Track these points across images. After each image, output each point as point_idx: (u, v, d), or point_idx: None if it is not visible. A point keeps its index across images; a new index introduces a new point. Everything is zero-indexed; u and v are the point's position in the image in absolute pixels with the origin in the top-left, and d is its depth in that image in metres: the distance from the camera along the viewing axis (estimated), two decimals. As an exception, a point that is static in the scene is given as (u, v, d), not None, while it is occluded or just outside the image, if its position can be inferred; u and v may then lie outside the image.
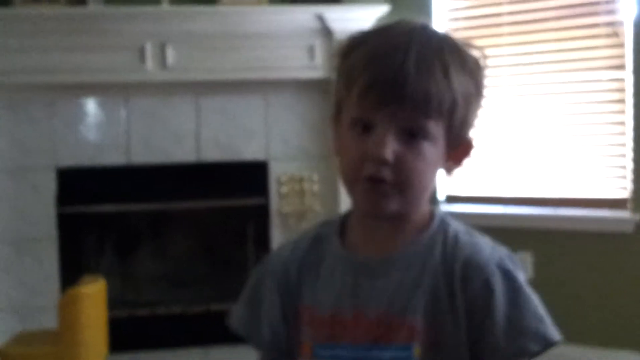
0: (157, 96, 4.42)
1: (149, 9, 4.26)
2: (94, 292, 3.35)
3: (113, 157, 4.40)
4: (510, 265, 1.04)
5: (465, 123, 1.05)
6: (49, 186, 4.33)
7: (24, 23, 4.14)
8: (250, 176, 4.54)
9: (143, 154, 4.42)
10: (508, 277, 1.03)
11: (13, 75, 4.18)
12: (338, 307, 1.06)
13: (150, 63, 4.26)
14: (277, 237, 4.52)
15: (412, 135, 1.01)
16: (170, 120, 4.43)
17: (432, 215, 1.10)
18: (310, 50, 4.39)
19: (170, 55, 4.27)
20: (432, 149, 1.02)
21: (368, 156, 1.00)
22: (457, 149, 1.07)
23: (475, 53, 1.06)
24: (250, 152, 4.52)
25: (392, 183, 1.01)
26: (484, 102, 1.08)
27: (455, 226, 1.09)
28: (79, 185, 4.40)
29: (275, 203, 4.51)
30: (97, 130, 4.43)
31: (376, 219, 1.07)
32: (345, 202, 4.35)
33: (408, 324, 1.01)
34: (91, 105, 4.46)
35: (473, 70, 1.04)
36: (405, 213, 1.05)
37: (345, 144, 1.04)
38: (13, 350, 3.32)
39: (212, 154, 4.49)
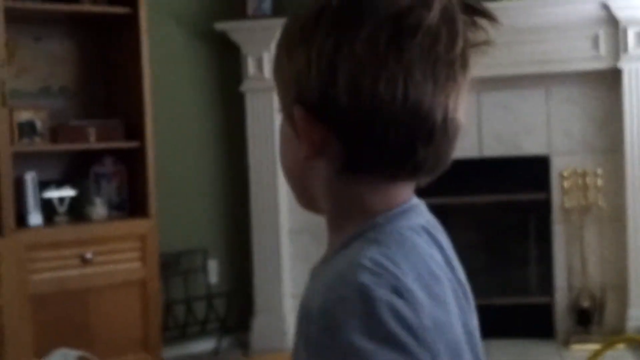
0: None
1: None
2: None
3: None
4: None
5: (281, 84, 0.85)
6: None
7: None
8: (532, 171, 4.53)
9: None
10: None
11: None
12: None
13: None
14: (559, 232, 4.47)
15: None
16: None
17: (371, 224, 0.82)
18: (595, 41, 4.30)
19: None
20: (284, 123, 0.86)
21: None
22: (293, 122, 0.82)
23: None
24: (531, 146, 4.51)
25: None
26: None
27: (372, 254, 0.76)
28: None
29: (557, 198, 4.47)
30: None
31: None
32: (630, 197, 4.21)
33: None
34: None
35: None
36: (303, 207, 0.91)
37: None
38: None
39: (494, 149, 4.54)
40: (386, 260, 0.75)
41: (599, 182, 4.38)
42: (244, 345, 4.61)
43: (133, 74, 4.03)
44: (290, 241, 4.68)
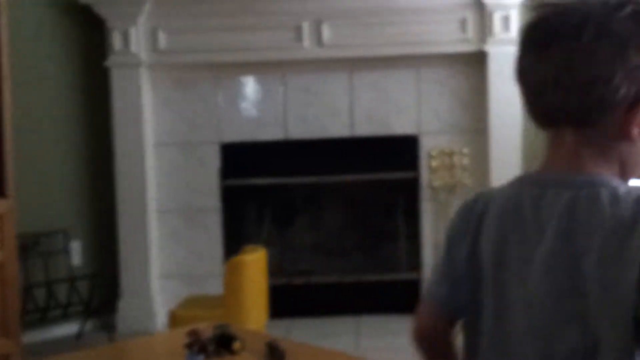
0: (313, 73, 4.57)
1: (304, -12, 4.41)
2: (255, 260, 3.55)
3: (272, 133, 4.60)
4: None
5: None
6: (214, 160, 4.60)
7: (190, 6, 4.41)
8: (402, 150, 4.61)
9: (299, 129, 4.59)
10: None
11: (181, 54, 4.47)
12: None
13: (306, 41, 4.42)
14: (427, 210, 4.58)
15: None
16: (325, 96, 4.57)
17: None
18: (463, 24, 4.40)
19: (326, 32, 4.41)
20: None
21: None
22: None
23: None
24: (401, 126, 4.58)
25: None
26: None
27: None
28: (240, 159, 4.64)
29: (425, 177, 4.57)
30: (257, 107, 4.65)
31: None
32: (495, 175, 4.36)
33: None
34: (251, 83, 4.68)
35: None
36: None
37: None
38: (182, 313, 3.60)
39: (365, 128, 4.59)
40: None
41: (465, 161, 4.50)
42: (109, 328, 4.47)
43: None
44: (158, 221, 4.57)
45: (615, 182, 1.01)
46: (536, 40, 1.05)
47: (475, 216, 1.10)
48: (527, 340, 1.02)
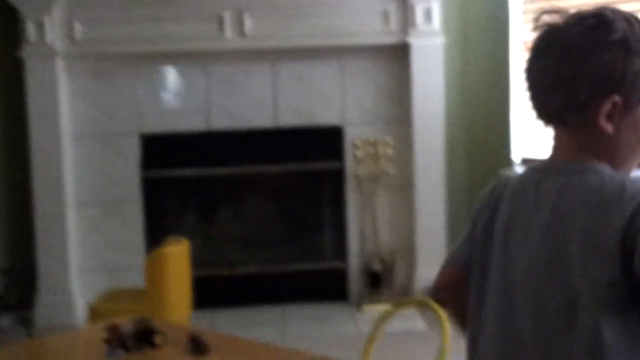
0: (236, 64, 4.53)
1: (226, -22, 4.35)
2: (177, 252, 3.50)
3: (194, 123, 4.54)
4: None
5: None
6: (133, 151, 4.51)
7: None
8: (326, 141, 4.61)
9: (222, 120, 4.54)
10: None
11: (99, 45, 4.36)
12: None
13: (228, 31, 4.37)
14: (352, 199, 4.60)
15: None
16: (248, 87, 4.54)
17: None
18: (385, 16, 4.42)
19: (248, 23, 4.37)
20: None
21: None
22: None
23: None
24: (325, 117, 4.58)
25: None
26: None
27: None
28: (161, 151, 4.56)
29: (350, 167, 4.59)
30: (179, 98, 4.58)
31: None
32: (418, 165, 4.42)
33: None
34: (172, 74, 4.61)
35: None
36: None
37: None
38: (103, 306, 3.52)
39: (289, 119, 4.57)
40: None
41: (389, 151, 4.54)
42: (26, 323, 4.34)
43: None
44: (77, 214, 4.46)
45: (605, 169, 1.21)
46: (533, 49, 1.26)
47: (495, 195, 1.34)
48: (524, 294, 1.24)
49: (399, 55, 4.46)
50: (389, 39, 4.44)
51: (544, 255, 1.22)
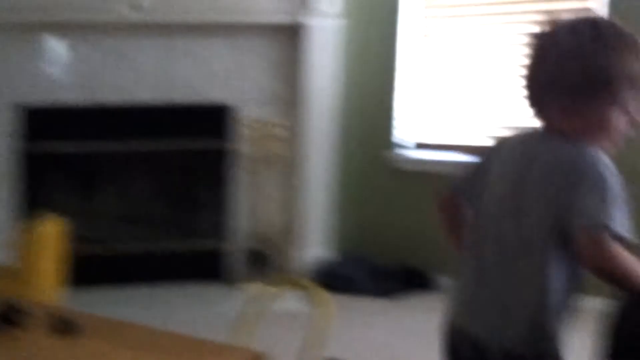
0: (127, 37, 4.37)
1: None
2: (49, 229, 3.35)
3: (79, 96, 4.36)
4: None
5: None
6: (8, 123, 4.30)
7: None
8: (216, 119, 4.53)
9: (109, 94, 4.39)
10: None
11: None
12: None
13: (122, 3, 4.22)
14: (242, 179, 4.54)
15: None
16: (139, 61, 4.39)
17: None
18: (281, -5, 4.37)
19: (142, -5, 4.23)
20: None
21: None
22: None
23: None
24: (216, 95, 4.50)
25: None
26: None
27: None
28: (42, 124, 4.37)
29: (240, 146, 4.52)
30: (63, 69, 4.38)
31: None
32: (311, 147, 4.40)
33: None
34: (58, 44, 4.40)
35: None
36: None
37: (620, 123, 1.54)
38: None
39: (179, 96, 4.46)
40: None
41: (280, 132, 4.50)
42: None
43: None
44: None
45: (585, 143, 1.50)
46: (532, 54, 1.58)
47: (497, 145, 1.67)
48: (492, 225, 1.60)
49: (293, 35, 4.41)
50: (282, 18, 4.39)
51: (513, 195, 1.56)
